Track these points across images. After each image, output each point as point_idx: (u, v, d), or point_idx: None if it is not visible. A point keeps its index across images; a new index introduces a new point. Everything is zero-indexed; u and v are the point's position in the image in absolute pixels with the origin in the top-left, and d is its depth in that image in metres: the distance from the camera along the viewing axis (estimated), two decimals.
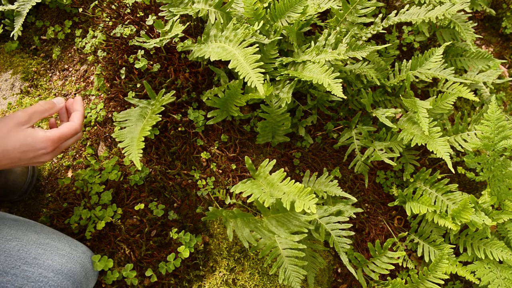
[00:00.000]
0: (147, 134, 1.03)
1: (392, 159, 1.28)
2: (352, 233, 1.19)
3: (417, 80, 1.36)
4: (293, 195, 0.94)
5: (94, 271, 0.97)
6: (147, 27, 1.25)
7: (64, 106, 0.94)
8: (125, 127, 1.07)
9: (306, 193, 0.92)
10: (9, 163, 0.80)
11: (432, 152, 1.22)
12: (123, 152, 1.01)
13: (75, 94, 1.27)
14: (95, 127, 1.22)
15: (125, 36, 1.21)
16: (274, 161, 1.07)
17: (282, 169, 1.03)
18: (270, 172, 1.09)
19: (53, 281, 0.82)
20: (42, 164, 0.91)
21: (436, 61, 1.32)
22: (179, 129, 1.19)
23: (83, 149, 1.21)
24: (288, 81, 1.17)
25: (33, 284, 0.80)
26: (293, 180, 0.97)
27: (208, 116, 1.19)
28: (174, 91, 1.14)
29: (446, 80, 1.50)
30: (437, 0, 1.40)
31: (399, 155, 1.28)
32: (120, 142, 1.03)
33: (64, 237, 0.94)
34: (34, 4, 1.25)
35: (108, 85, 1.24)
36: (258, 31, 1.13)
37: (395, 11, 1.35)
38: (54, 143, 0.84)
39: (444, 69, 1.37)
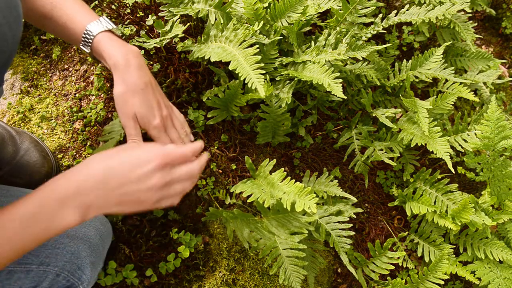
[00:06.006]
0: None
1: (392, 159, 1.28)
2: (352, 233, 1.19)
3: (417, 80, 1.36)
4: (293, 194, 0.94)
5: (108, 233, 0.96)
6: (147, 27, 1.25)
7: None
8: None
9: (306, 193, 0.92)
10: (118, 186, 0.67)
11: (432, 152, 1.22)
12: None
13: (75, 94, 1.27)
14: (95, 127, 1.22)
15: (125, 36, 1.21)
16: (274, 161, 1.07)
17: (282, 168, 1.03)
18: (270, 172, 1.09)
19: (69, 247, 0.81)
20: (149, 201, 0.71)
21: (436, 61, 1.32)
22: None
23: (83, 149, 1.21)
24: (288, 81, 1.17)
25: (50, 251, 0.79)
26: (293, 180, 0.97)
27: (208, 116, 1.19)
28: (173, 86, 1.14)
29: (446, 80, 1.50)
30: (437, 0, 1.40)
31: (399, 155, 1.28)
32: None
33: None
34: None
35: (108, 85, 1.24)
36: (258, 31, 1.13)
37: (395, 11, 1.35)
38: (161, 156, 0.69)
39: (444, 69, 1.37)
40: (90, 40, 0.86)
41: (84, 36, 0.86)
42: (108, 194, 0.67)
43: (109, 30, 0.87)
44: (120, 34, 0.90)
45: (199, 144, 0.78)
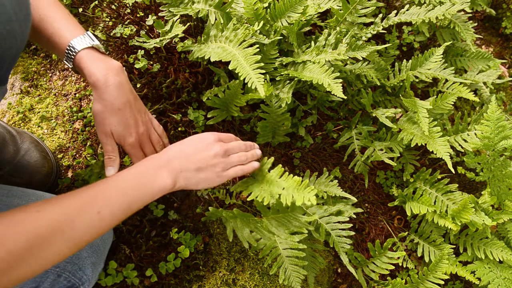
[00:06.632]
0: None
1: (392, 159, 1.28)
2: (352, 233, 1.19)
3: (417, 80, 1.36)
4: (292, 189, 0.93)
5: (109, 233, 0.97)
6: (147, 27, 1.25)
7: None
8: None
9: (304, 186, 0.91)
10: (193, 153, 0.87)
11: (432, 152, 1.22)
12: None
13: (75, 94, 1.28)
14: (95, 127, 1.22)
15: (125, 36, 1.22)
16: (272, 158, 1.06)
17: (280, 165, 1.02)
18: (269, 170, 1.08)
19: None
20: (219, 168, 0.91)
21: (436, 61, 1.32)
22: (179, 129, 1.19)
23: (83, 149, 1.21)
24: (288, 81, 1.17)
25: None
26: (291, 175, 0.97)
27: (208, 116, 1.19)
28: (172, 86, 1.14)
29: (446, 80, 1.50)
30: (437, 0, 1.40)
31: (399, 155, 1.28)
32: None
33: None
34: None
35: None
36: (258, 31, 1.13)
37: (395, 11, 1.35)
38: (218, 135, 0.93)
39: (444, 69, 1.37)
40: (73, 56, 0.86)
41: (67, 51, 0.85)
42: (187, 160, 0.86)
43: (92, 47, 0.86)
44: (104, 50, 0.89)
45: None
